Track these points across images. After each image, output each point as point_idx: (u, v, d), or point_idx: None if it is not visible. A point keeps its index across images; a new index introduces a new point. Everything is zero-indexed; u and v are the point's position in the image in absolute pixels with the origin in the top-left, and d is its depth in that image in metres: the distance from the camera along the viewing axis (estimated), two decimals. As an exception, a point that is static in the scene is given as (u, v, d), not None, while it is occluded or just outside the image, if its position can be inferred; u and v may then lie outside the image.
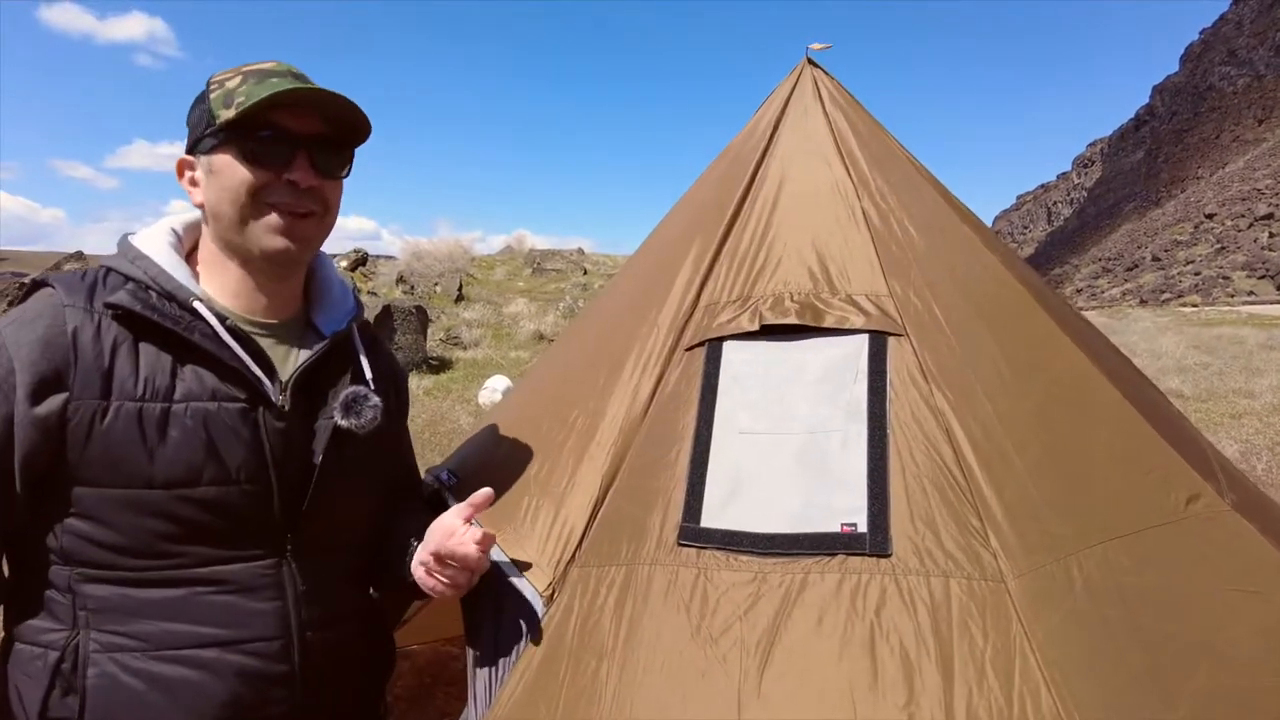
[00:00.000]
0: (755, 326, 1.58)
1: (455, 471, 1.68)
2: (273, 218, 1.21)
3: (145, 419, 1.12)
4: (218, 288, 1.27)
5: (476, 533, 1.27)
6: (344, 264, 17.49)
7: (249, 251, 1.24)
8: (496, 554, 1.49)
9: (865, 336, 1.52)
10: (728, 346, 1.59)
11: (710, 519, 1.39)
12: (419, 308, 12.52)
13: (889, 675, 1.16)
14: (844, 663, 1.19)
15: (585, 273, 21.62)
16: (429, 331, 12.78)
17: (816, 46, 2.06)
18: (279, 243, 1.23)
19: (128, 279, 1.19)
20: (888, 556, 1.28)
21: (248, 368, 1.20)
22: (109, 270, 1.21)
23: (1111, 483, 1.43)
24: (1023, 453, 1.39)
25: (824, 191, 1.78)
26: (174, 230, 1.30)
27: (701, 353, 1.61)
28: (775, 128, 1.96)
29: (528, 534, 1.50)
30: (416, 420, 8.46)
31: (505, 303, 17.23)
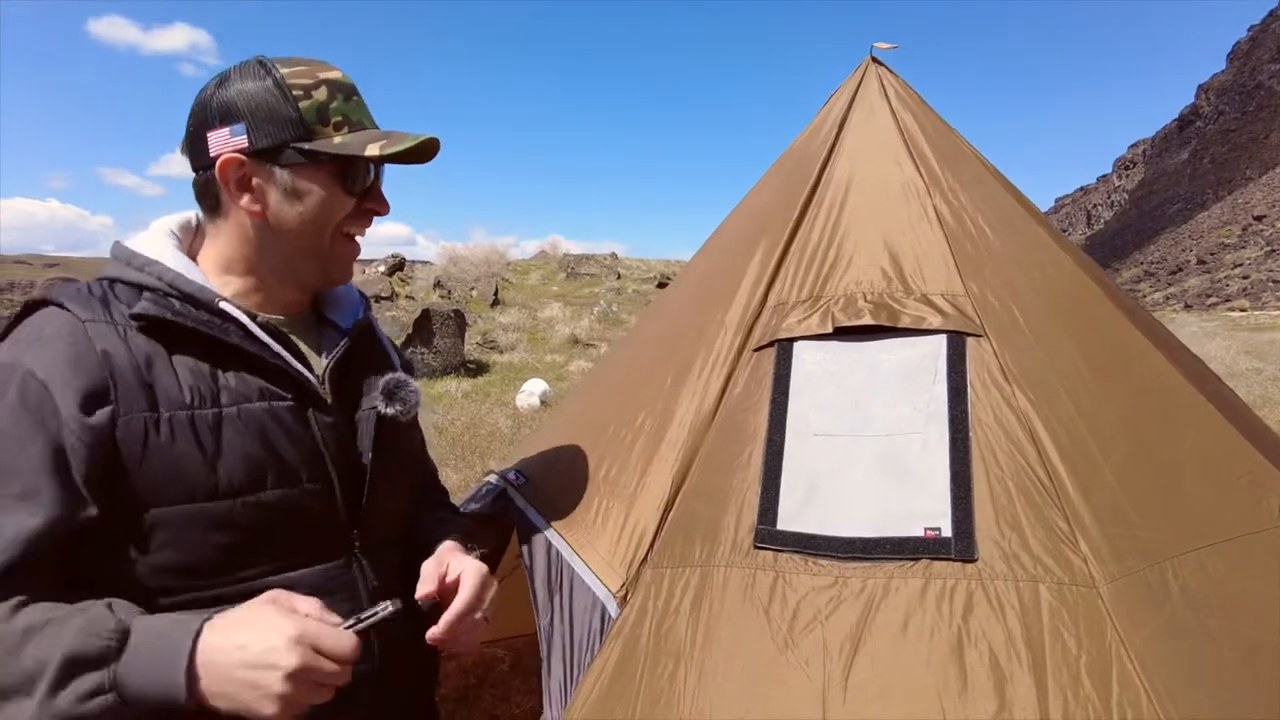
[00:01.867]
0: (829, 329, 1.56)
1: (524, 472, 1.68)
2: (352, 247, 1.21)
3: (199, 426, 1.05)
4: (233, 289, 1.18)
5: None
6: (382, 269, 17.72)
7: (310, 273, 1.20)
8: (568, 555, 1.49)
9: (943, 337, 1.49)
10: (799, 347, 1.57)
11: (786, 522, 1.37)
12: (457, 312, 12.64)
13: (979, 682, 1.13)
14: (931, 668, 1.16)
15: (619, 277, 21.67)
16: (466, 335, 12.89)
17: (883, 46, 2.04)
18: (350, 272, 1.23)
19: (141, 287, 1.09)
20: (974, 561, 1.25)
21: (290, 365, 1.14)
22: (113, 281, 1.11)
23: (1202, 488, 1.39)
24: (1109, 455, 1.35)
25: (894, 190, 1.76)
26: (173, 233, 1.19)
27: (771, 353, 1.60)
28: (841, 126, 1.93)
29: (599, 535, 1.50)
30: (455, 423, 8.53)
31: (540, 307, 17.33)
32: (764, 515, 1.38)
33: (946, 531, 1.28)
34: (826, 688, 1.17)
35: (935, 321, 1.51)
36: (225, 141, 1.10)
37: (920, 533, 1.29)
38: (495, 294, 17.83)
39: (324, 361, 1.22)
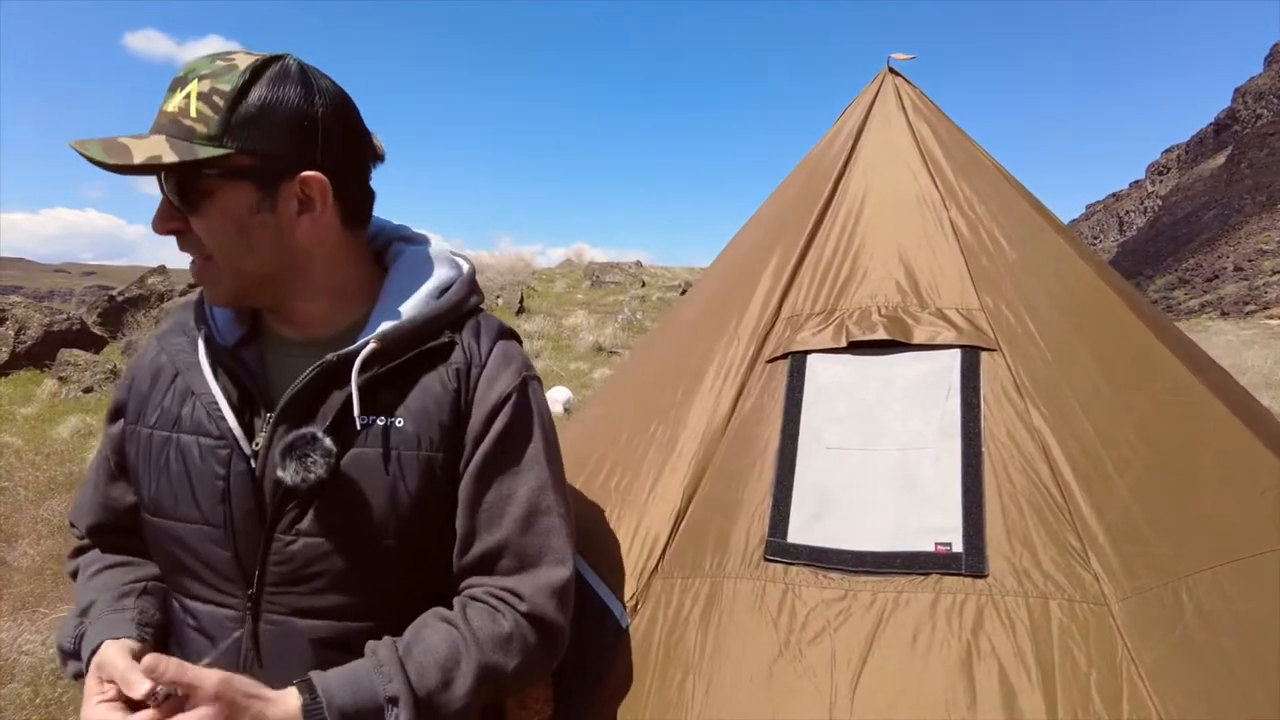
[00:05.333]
0: (842, 343, 1.56)
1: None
2: (193, 266, 1.11)
3: (153, 445, 1.11)
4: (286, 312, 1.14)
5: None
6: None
7: None
8: (579, 563, 1.51)
9: (957, 351, 1.49)
10: (812, 359, 1.58)
11: (797, 535, 1.37)
12: (482, 319, 12.74)
13: (987, 696, 1.13)
14: (940, 682, 1.16)
15: (643, 285, 21.69)
16: (491, 342, 12.97)
17: (900, 57, 2.04)
18: (208, 290, 1.12)
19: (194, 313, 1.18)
20: (984, 577, 1.24)
21: (214, 403, 1.08)
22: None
23: (1222, 504, 1.37)
24: (1124, 471, 1.34)
25: (910, 202, 1.76)
26: None
27: (784, 365, 1.60)
28: (857, 138, 1.93)
29: (610, 544, 1.51)
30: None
31: (565, 315, 17.39)
32: (775, 528, 1.39)
33: (957, 547, 1.28)
34: (834, 699, 1.17)
35: (949, 336, 1.50)
36: None
37: (931, 548, 1.29)
38: (520, 302, 17.92)
39: (283, 401, 1.07)
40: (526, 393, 1.18)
